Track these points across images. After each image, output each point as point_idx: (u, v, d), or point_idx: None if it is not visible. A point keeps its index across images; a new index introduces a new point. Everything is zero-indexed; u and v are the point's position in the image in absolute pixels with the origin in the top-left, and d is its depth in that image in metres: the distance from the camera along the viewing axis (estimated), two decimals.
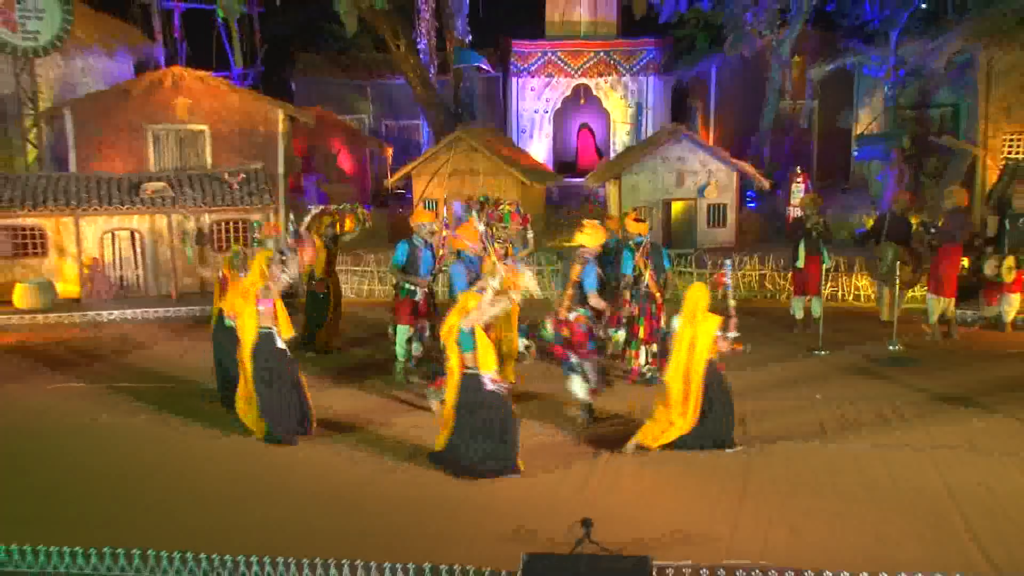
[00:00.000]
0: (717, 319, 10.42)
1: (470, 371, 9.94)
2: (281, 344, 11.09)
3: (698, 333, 10.39)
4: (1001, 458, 10.24)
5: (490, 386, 9.98)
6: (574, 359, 11.58)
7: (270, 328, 10.95)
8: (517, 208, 13.42)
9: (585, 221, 12.24)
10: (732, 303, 10.60)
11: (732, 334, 10.44)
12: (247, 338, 10.97)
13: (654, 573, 7.48)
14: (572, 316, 11.41)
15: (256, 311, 10.93)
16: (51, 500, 9.65)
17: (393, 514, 9.26)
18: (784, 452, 10.61)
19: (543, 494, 9.59)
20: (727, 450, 10.55)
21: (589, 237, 11.53)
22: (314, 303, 14.74)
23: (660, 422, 10.53)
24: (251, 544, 8.39)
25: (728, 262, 11.66)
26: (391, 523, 9.04)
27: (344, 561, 8.07)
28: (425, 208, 20.98)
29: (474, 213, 12.99)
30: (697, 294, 10.42)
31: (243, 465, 10.66)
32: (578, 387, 11.53)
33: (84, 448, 11.11)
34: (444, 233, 13.58)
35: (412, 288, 12.67)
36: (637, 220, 13.50)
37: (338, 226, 15.41)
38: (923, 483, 9.63)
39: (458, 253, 12.34)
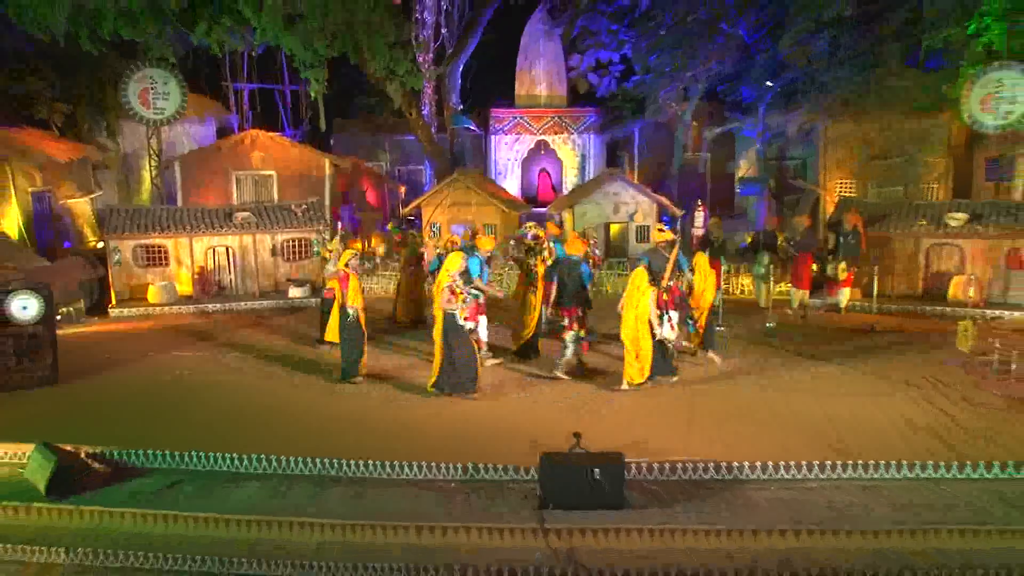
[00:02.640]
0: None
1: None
2: (460, 320, 10.96)
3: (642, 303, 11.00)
4: (861, 398, 10.87)
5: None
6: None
7: (454, 311, 10.88)
8: (531, 234, 13.61)
9: (664, 228, 12.73)
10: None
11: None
12: (439, 314, 10.91)
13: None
14: (672, 283, 11.58)
15: (443, 295, 10.82)
16: (205, 428, 9.97)
17: (446, 432, 9.73)
18: (718, 394, 11.15)
19: (548, 419, 10.09)
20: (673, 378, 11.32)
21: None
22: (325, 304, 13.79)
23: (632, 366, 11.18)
24: (350, 453, 8.84)
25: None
26: (449, 442, 9.43)
27: (411, 462, 8.61)
28: (432, 233, 21.53)
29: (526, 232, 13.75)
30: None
31: (338, 406, 10.97)
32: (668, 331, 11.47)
33: (217, 395, 11.43)
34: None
35: (477, 293, 12.42)
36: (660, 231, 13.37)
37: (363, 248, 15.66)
38: (808, 411, 10.33)
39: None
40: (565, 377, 11.85)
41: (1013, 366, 11.46)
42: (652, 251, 12.37)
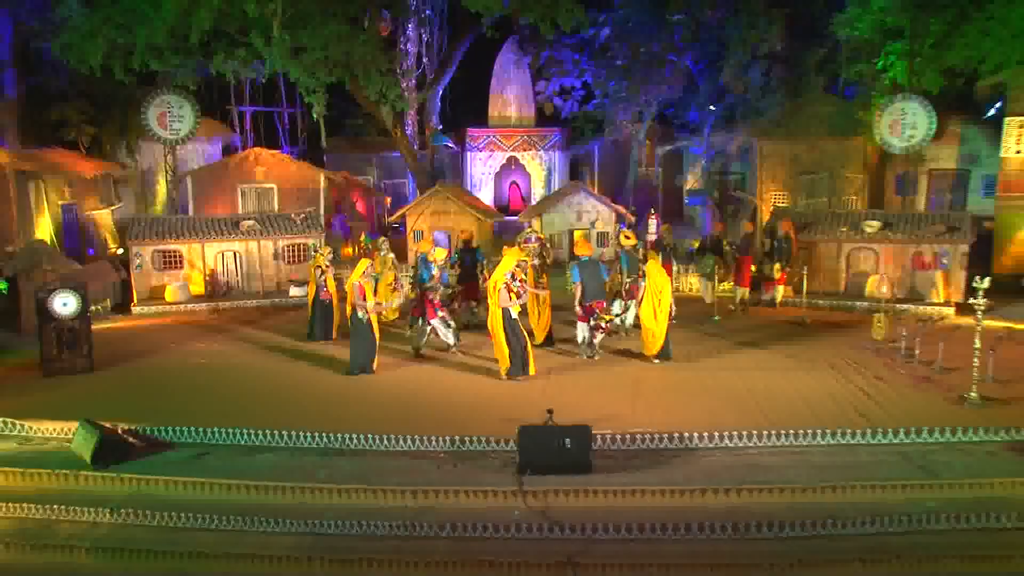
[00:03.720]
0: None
1: None
2: (515, 315, 10.95)
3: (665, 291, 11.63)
4: (773, 372, 11.33)
5: None
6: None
7: (509, 307, 10.92)
8: (535, 237, 14.02)
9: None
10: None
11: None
12: (496, 310, 10.93)
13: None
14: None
15: (501, 294, 10.85)
16: (225, 408, 10.10)
17: (435, 410, 9.90)
18: (657, 371, 11.49)
19: (521, 396, 10.34)
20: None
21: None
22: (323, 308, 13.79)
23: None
24: (352, 429, 9.06)
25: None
26: (434, 415, 9.65)
27: (406, 436, 8.85)
28: (415, 239, 21.64)
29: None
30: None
31: (340, 385, 11.18)
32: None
33: (233, 379, 11.56)
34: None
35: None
36: (627, 238, 13.75)
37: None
38: (734, 386, 10.69)
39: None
40: (599, 355, 12.30)
41: (916, 351, 11.87)
42: (626, 252, 12.90)
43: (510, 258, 11.24)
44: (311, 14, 18.85)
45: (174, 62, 19.49)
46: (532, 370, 11.23)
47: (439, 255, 12.94)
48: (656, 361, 11.86)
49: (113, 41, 18.10)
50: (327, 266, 13.66)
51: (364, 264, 11.78)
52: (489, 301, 11.19)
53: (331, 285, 13.66)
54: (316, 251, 14.93)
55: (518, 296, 11.04)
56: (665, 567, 6.88)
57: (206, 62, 20.10)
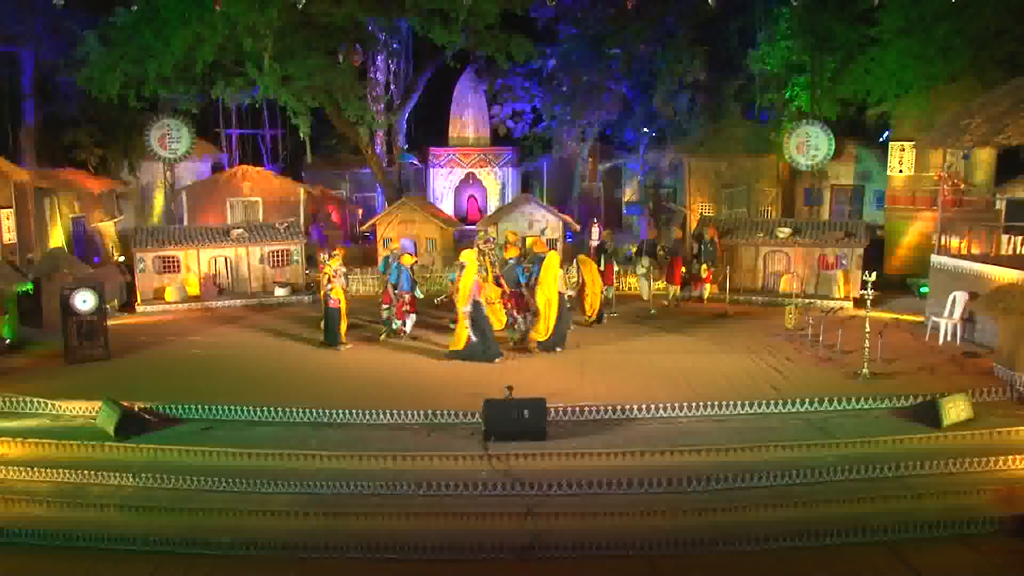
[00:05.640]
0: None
1: None
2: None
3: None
4: (701, 355, 11.77)
5: None
6: None
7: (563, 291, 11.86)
8: (490, 239, 14.46)
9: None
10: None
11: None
12: (554, 295, 11.74)
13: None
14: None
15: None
16: (225, 388, 10.24)
17: (410, 388, 10.18)
18: (600, 354, 11.83)
19: (484, 375, 10.64)
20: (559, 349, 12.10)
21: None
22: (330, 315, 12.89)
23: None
24: (339, 405, 9.30)
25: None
26: (410, 393, 9.91)
27: (386, 410, 9.14)
28: (384, 244, 21.77)
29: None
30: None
31: (330, 367, 11.40)
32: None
33: (230, 365, 11.66)
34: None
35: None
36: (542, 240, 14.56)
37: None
38: (666, 366, 11.11)
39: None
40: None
41: (820, 337, 12.44)
42: (514, 262, 13.19)
43: (553, 258, 12.00)
44: (297, 48, 19.12)
45: (180, 90, 19.78)
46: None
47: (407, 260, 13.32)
48: (602, 322, 13.22)
49: (127, 73, 18.33)
50: (334, 274, 12.41)
51: (475, 265, 11.61)
52: (548, 289, 11.85)
53: (336, 293, 12.51)
54: (324, 260, 13.23)
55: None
56: (610, 516, 7.28)
57: (207, 90, 20.25)
